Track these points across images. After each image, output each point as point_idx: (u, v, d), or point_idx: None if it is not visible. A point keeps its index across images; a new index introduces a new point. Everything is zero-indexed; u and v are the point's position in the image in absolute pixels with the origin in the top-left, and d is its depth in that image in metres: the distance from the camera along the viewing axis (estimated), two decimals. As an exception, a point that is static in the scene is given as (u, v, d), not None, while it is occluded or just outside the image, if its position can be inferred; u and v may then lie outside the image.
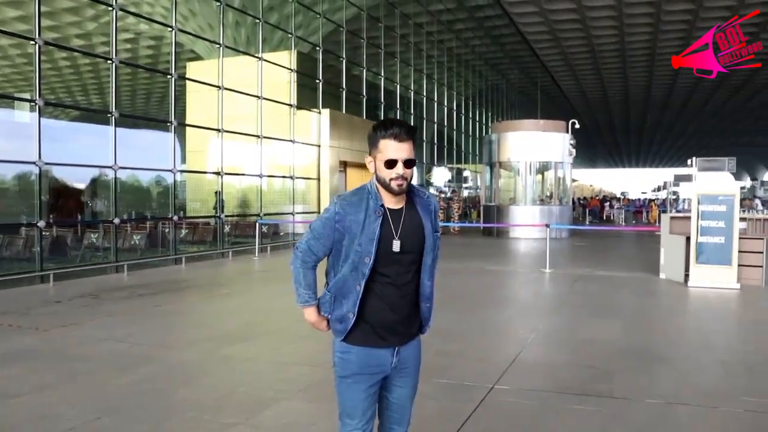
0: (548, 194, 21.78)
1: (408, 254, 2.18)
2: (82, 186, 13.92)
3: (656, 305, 8.06)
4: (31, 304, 7.55)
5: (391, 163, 2.09)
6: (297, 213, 16.09)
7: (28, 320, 6.60)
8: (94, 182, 13.36)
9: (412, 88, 24.86)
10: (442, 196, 24.80)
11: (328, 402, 3.92)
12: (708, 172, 14.68)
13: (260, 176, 14.95)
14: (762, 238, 9.30)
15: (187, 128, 15.34)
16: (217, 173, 13.84)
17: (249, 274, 11.17)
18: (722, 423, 3.82)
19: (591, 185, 71.43)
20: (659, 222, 11.29)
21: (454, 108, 30.79)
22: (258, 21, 15.21)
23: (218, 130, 13.62)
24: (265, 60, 15.22)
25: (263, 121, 14.87)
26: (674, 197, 32.29)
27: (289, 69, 16.00)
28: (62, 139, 17.08)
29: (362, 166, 18.91)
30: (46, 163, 9.52)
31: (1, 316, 6.82)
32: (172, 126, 12.23)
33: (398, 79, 22.96)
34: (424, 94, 26.25)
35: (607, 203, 36.10)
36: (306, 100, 16.52)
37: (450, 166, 30.15)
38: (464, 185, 31.62)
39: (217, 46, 13.87)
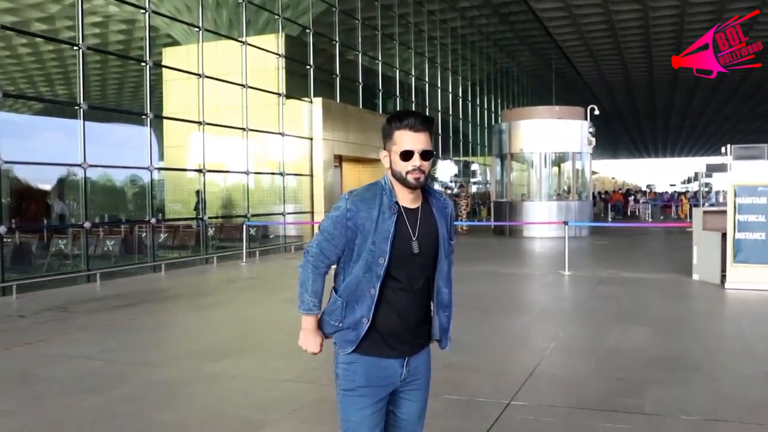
0: (565, 188, 21.81)
1: (422, 257, 2.21)
2: (47, 187, 13.90)
3: (690, 309, 8.04)
4: (-8, 319, 7.52)
5: (407, 155, 2.14)
6: (288, 213, 16.07)
7: (-11, 337, 6.57)
8: (62, 182, 13.36)
9: (413, 73, 24.85)
10: (449, 192, 24.80)
11: (325, 423, 3.89)
12: (745, 160, 14.68)
13: (247, 173, 14.93)
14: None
15: (165, 121, 15.33)
16: (199, 171, 13.83)
17: (236, 281, 11.16)
18: (768, 440, 3.79)
19: (613, 178, 71.74)
20: (691, 217, 11.35)
21: (460, 95, 30.80)
22: (241, 1, 15.19)
23: (199, 122, 13.60)
24: (250, 44, 15.19)
25: (249, 113, 14.84)
26: (707, 189, 32.31)
27: (277, 54, 15.97)
28: (24, 135, 17.06)
29: (359, 160, 18.89)
30: (7, 162, 9.48)
31: (-41, 332, 6.79)
32: (148, 119, 12.21)
33: (398, 63, 22.92)
34: (427, 80, 26.24)
35: (632, 197, 36.17)
36: (296, 88, 16.50)
37: (456, 158, 30.19)
38: (472, 180, 31.68)
39: (196, 29, 13.84)
